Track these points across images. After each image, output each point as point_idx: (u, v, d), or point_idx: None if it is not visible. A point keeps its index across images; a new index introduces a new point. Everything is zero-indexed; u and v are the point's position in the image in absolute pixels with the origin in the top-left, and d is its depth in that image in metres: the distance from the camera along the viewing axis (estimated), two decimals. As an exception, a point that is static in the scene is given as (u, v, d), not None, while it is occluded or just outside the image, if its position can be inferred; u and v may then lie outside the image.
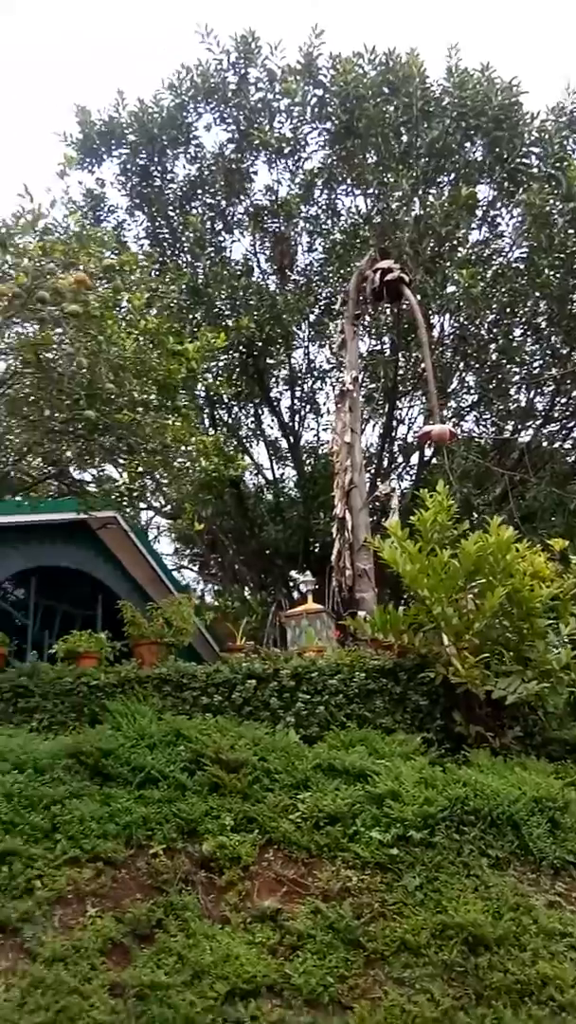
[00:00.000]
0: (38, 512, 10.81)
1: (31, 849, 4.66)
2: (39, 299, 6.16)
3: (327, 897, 4.52)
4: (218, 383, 10.98)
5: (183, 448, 8.06)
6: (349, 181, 14.58)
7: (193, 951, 4.20)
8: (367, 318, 13.45)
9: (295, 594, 16.41)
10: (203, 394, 14.59)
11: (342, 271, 14.38)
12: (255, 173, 14.63)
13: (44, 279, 6.26)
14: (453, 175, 13.91)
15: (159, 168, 14.94)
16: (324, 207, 15.05)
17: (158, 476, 9.24)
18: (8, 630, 7.17)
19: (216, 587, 20.04)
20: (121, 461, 8.84)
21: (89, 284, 6.51)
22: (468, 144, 13.68)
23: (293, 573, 17.45)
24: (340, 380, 10.55)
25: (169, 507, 15.06)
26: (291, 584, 17.35)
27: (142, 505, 13.75)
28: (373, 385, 16.02)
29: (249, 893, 4.60)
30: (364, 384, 11.97)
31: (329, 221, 15.10)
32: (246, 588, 17.97)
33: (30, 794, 4.99)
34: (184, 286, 12.70)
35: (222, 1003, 3.97)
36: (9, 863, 4.56)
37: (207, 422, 15.97)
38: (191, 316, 13.56)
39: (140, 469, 8.71)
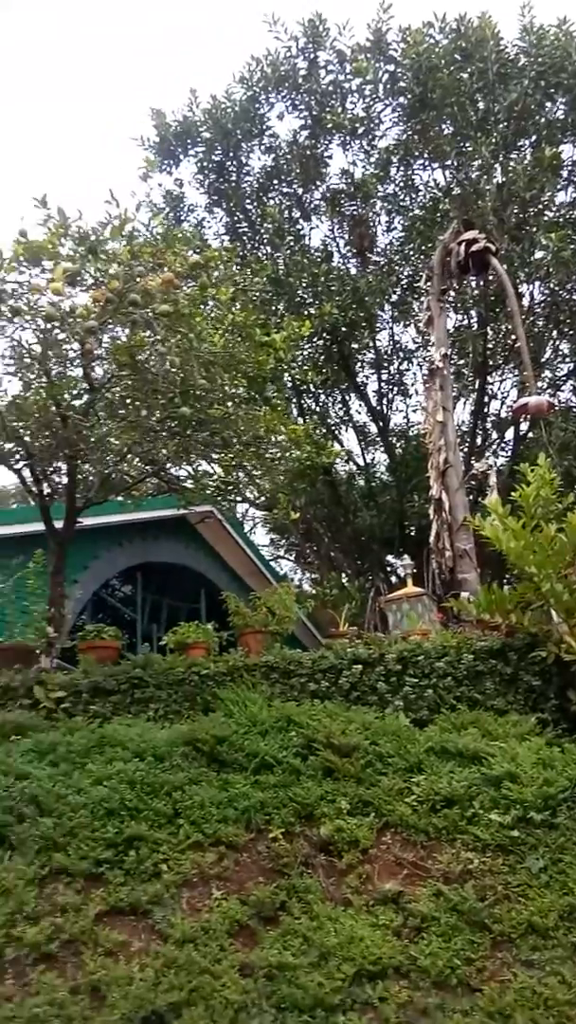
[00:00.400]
0: (141, 510, 11.15)
1: (156, 834, 4.84)
2: (131, 302, 6.32)
3: (448, 879, 4.50)
4: (304, 371, 10.96)
5: (275, 439, 8.12)
6: (426, 155, 14.30)
7: (318, 933, 4.27)
8: (453, 292, 13.14)
9: (392, 579, 16.32)
10: (289, 384, 14.65)
11: (424, 248, 14.13)
12: (330, 157, 14.55)
13: (134, 282, 6.41)
14: (535, 137, 13.43)
15: (235, 163, 15.05)
16: (401, 184, 14.82)
17: (250, 468, 9.35)
18: (118, 625, 7.44)
19: (313, 575, 20.15)
20: (215, 456, 8.99)
21: (177, 283, 6.63)
22: (549, 104, 13.18)
23: (389, 558, 17.36)
24: (428, 358, 10.39)
25: (262, 499, 15.23)
26: (388, 569, 17.26)
27: (237, 498, 14.00)
28: (462, 361, 15.70)
29: (369, 876, 4.63)
30: (453, 360, 11.71)
31: (407, 198, 14.86)
32: (343, 575, 17.98)
33: (151, 781, 5.17)
34: (265, 277, 12.76)
35: (350, 984, 4.02)
36: (136, 847, 4.75)
37: (295, 411, 16.04)
38: (274, 307, 13.62)
39: (234, 462, 8.83)
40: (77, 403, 7.65)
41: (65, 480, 8.43)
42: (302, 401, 16.59)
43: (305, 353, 14.32)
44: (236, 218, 15.59)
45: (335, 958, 4.14)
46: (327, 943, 4.19)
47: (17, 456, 7.99)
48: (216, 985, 4.06)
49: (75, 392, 7.72)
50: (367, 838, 4.79)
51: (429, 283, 10.37)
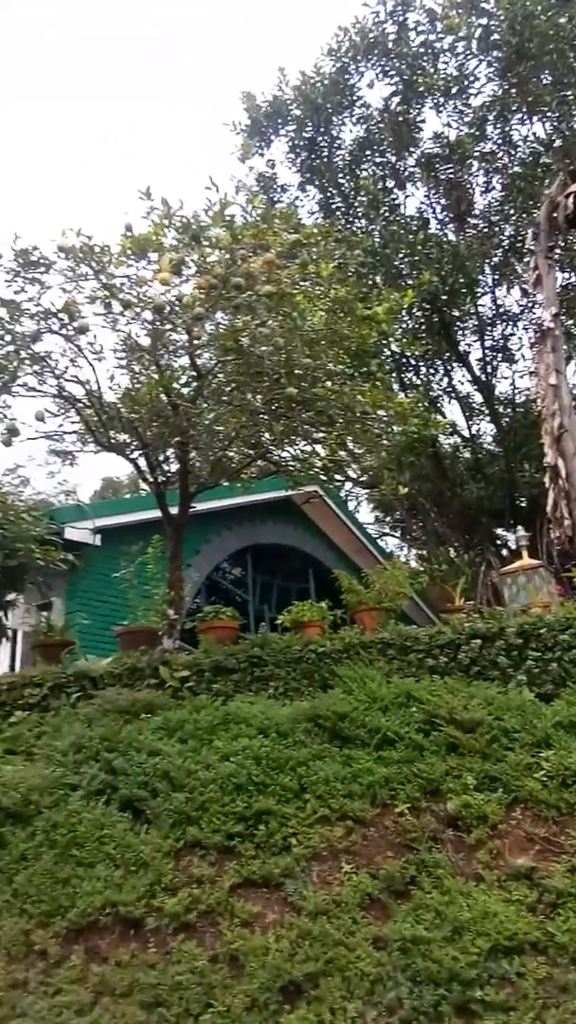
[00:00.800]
0: (248, 493, 11.33)
1: (284, 808, 4.95)
2: (235, 286, 6.38)
3: (584, 856, 4.40)
4: (406, 343, 10.77)
5: (380, 414, 8.03)
6: (524, 109, 13.69)
7: (450, 908, 4.27)
8: (561, 249, 12.56)
9: (504, 552, 15.92)
10: (389, 358, 14.45)
11: (525, 206, 13.58)
12: (423, 122, 14.19)
13: (236, 265, 6.46)
14: None
15: (326, 137, 14.90)
16: (499, 142, 14.27)
17: (353, 447, 9.30)
18: (230, 606, 7.60)
19: (419, 551, 19.93)
20: (320, 435, 9.00)
21: (278, 263, 6.64)
22: None
23: (499, 530, 16.94)
24: (537, 320, 9.98)
25: (366, 476, 15.15)
26: (498, 542, 16.85)
27: (341, 477, 13.98)
28: (572, 322, 15.05)
29: (500, 852, 4.58)
30: (564, 321, 11.23)
31: (506, 156, 14.29)
32: (451, 550, 17.70)
33: (276, 756, 5.28)
34: (362, 250, 12.60)
35: (485, 959, 4.01)
36: (265, 822, 4.87)
37: (396, 386, 15.82)
38: (371, 280, 13.43)
39: (339, 440, 8.81)
40: (185, 391, 7.82)
41: (175, 467, 8.67)
42: (403, 375, 16.34)
43: (405, 325, 14.07)
44: (329, 194, 15.44)
45: (469, 933, 4.13)
46: (460, 918, 4.19)
47: (132, 446, 8.27)
48: (351, 957, 4.13)
49: (183, 380, 7.89)
50: (496, 813, 4.74)
51: (535, 241, 9.92)
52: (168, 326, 7.10)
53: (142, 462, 8.44)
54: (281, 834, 4.81)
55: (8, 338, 6.81)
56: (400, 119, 14.02)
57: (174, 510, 8.22)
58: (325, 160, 14.96)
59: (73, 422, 8.14)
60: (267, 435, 8.77)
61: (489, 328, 15.71)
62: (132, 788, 5.09)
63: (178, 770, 5.18)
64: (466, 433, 17.36)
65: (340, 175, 15.01)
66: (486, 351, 16.00)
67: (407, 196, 14.97)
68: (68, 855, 4.80)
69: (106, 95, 47.79)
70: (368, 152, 14.78)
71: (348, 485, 17.97)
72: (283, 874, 4.60)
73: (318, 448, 9.19)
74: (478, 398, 16.89)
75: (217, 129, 40.17)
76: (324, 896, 4.47)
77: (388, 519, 21.14)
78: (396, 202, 14.84)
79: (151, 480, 8.40)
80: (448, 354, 15.91)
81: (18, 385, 7.14)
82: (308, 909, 4.39)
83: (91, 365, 7.37)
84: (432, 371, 16.69)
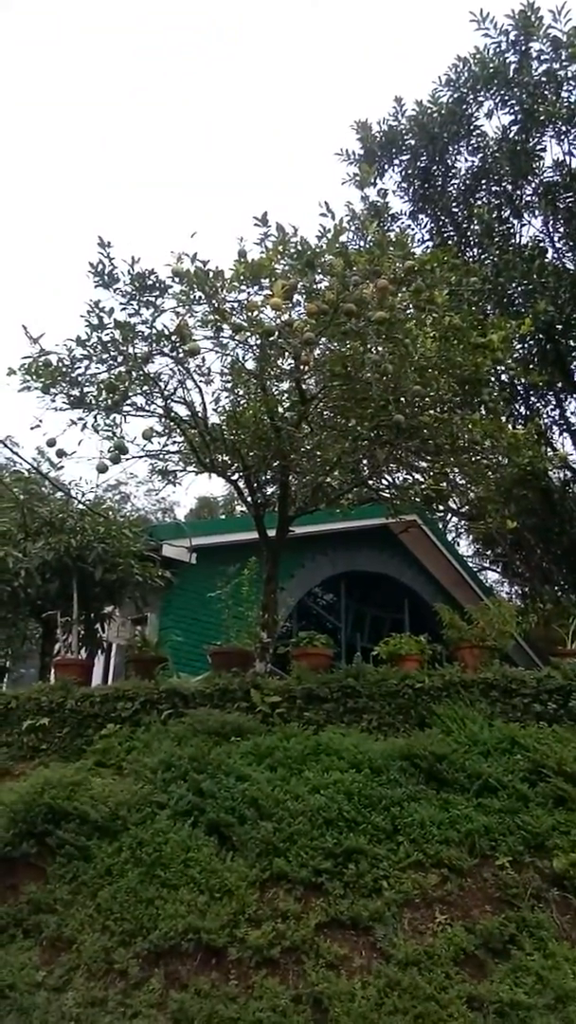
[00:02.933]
0: (346, 519, 11.20)
1: (375, 849, 4.75)
2: (346, 312, 6.32)
3: None
4: (523, 371, 10.42)
5: (491, 443, 7.77)
6: None
7: (554, 973, 3.96)
8: None
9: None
10: (499, 388, 14.07)
11: None
12: (543, 150, 13.84)
13: (348, 291, 6.41)
14: None
15: (441, 167, 14.79)
16: (624, 170, 13.77)
17: (457, 477, 9.05)
18: (320, 632, 7.44)
19: (523, 589, 19.23)
20: (424, 464, 8.80)
21: (392, 290, 6.54)
22: None
23: (610, 571, 16.12)
24: None
25: (467, 508, 14.74)
26: (608, 583, 16.05)
27: (442, 508, 13.64)
28: None
29: (611, 919, 4.23)
30: None
31: (630, 184, 13.77)
32: (557, 589, 16.97)
33: (369, 793, 5.09)
34: (476, 278, 12.37)
35: (591, 1035, 3.68)
36: (356, 861, 4.69)
37: (504, 417, 15.38)
38: (483, 309, 13.16)
39: (445, 470, 8.59)
40: (289, 415, 7.81)
41: (274, 490, 8.65)
42: (512, 406, 15.89)
43: (517, 355, 13.68)
44: (441, 223, 15.29)
45: (574, 1003, 3.81)
46: (565, 985, 3.88)
47: (233, 468, 8.31)
48: (443, 1015, 3.89)
49: (287, 405, 7.89)
50: (608, 877, 4.39)
51: None
52: (275, 351, 7.11)
53: (242, 484, 8.47)
54: (372, 875, 4.61)
55: (121, 359, 6.98)
56: (518, 148, 13.74)
57: (271, 533, 8.18)
58: (439, 189, 14.84)
59: (177, 442, 8.28)
60: (367, 462, 8.65)
61: (605, 361, 15.08)
62: (219, 812, 5.01)
63: (266, 798, 5.07)
64: (577, 468, 16.68)
65: (454, 204, 14.85)
66: (601, 384, 15.36)
67: (523, 225, 14.64)
68: (153, 875, 4.75)
69: (219, 125, 49.44)
70: (483, 181, 14.56)
71: (449, 516, 17.57)
72: (372, 918, 4.40)
73: (419, 477, 9.00)
74: (591, 432, 16.20)
75: (321, 159, 40.84)
76: (416, 946, 4.24)
77: (489, 553, 20.53)
78: (511, 230, 14.53)
79: (250, 502, 8.42)
80: (560, 385, 15.38)
81: (127, 404, 7.30)
82: (398, 958, 4.17)
83: (198, 387, 7.48)
84: (543, 402, 16.16)
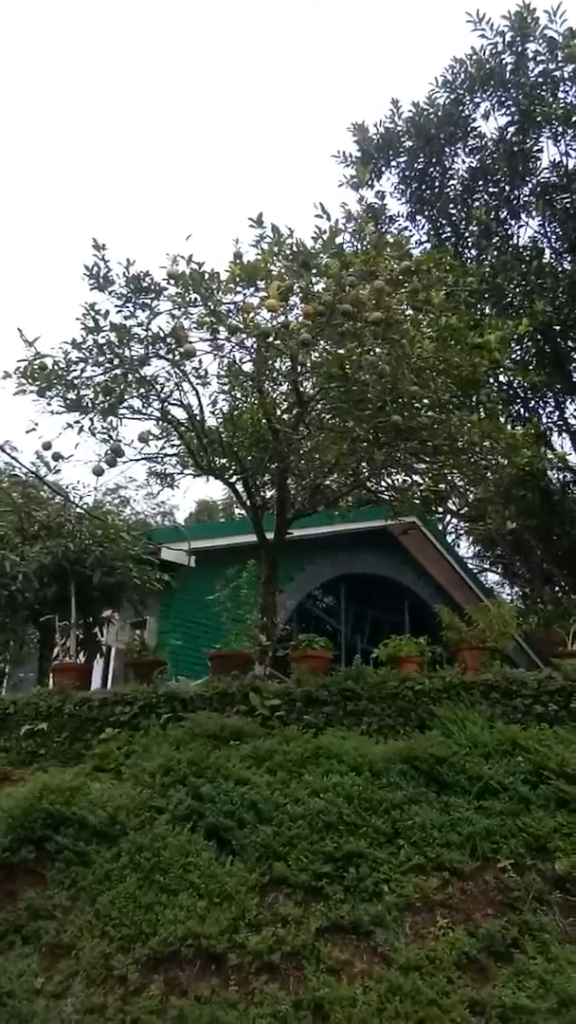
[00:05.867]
0: (346, 522, 11.17)
1: (375, 852, 4.71)
2: (343, 312, 6.30)
3: None
4: (521, 371, 10.41)
5: (490, 444, 7.74)
6: None
7: (557, 977, 3.93)
8: None
9: (614, 594, 15.08)
10: (497, 389, 14.05)
11: None
12: (540, 151, 13.82)
13: (345, 292, 6.39)
14: None
15: (438, 168, 14.77)
16: (621, 170, 13.75)
17: (456, 479, 9.02)
18: (321, 635, 7.41)
19: (524, 590, 19.20)
20: (423, 465, 8.77)
21: (388, 291, 6.52)
22: None
23: (610, 572, 16.08)
24: None
25: (466, 509, 14.73)
26: (609, 584, 16.01)
27: (441, 509, 13.61)
28: None
29: (615, 922, 4.19)
30: None
31: (627, 184, 13.75)
32: (557, 589, 16.95)
33: (369, 797, 5.06)
34: (473, 279, 12.36)
35: (596, 1039, 3.64)
36: (356, 865, 4.65)
37: (503, 418, 15.35)
38: (480, 310, 13.14)
39: (443, 471, 8.56)
40: (287, 417, 7.79)
41: (272, 493, 8.63)
42: (510, 407, 15.86)
43: (515, 356, 13.66)
44: (439, 224, 15.27)
45: (577, 1008, 3.77)
46: (568, 989, 3.85)
47: (231, 470, 8.29)
48: (445, 1019, 3.85)
49: (285, 407, 7.86)
50: (610, 879, 4.35)
51: None
52: (272, 353, 7.09)
53: (240, 487, 8.44)
54: (372, 879, 4.58)
55: (117, 361, 6.95)
56: (515, 149, 13.73)
57: (270, 535, 8.15)
58: (436, 190, 14.82)
59: (174, 445, 8.25)
60: (366, 464, 8.62)
61: (604, 362, 15.06)
62: (219, 816, 4.97)
63: (266, 802, 5.04)
64: (577, 469, 16.65)
65: (451, 205, 14.82)
66: (600, 385, 15.33)
67: (520, 226, 14.61)
68: (152, 880, 4.72)
69: (208, 123, 49.53)
70: (481, 182, 14.54)
71: (448, 517, 17.54)
72: (373, 922, 4.37)
73: (418, 478, 8.97)
74: (591, 433, 16.17)
75: (318, 160, 40.90)
76: (417, 950, 4.20)
77: (489, 554, 20.49)
78: (509, 231, 14.51)
79: (248, 505, 8.39)
80: (559, 386, 15.35)
81: (124, 407, 7.27)
82: (399, 962, 4.14)
83: (195, 390, 7.45)
84: (542, 404, 16.13)
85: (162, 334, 6.80)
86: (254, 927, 4.41)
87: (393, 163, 14.97)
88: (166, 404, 7.43)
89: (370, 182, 15.08)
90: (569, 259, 14.20)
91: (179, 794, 5.19)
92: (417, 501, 9.13)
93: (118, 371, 6.95)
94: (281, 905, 4.51)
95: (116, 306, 6.80)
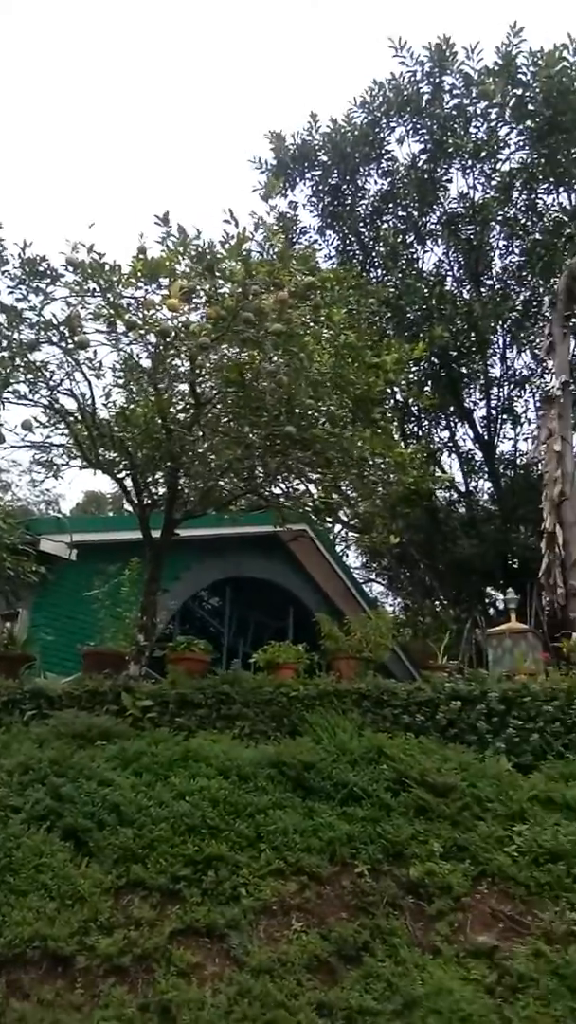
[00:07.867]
0: (235, 525, 11.16)
1: (236, 856, 4.70)
2: (244, 320, 6.31)
3: (550, 939, 4.16)
4: (414, 392, 10.74)
5: (380, 461, 7.93)
6: (552, 179, 13.91)
7: (403, 980, 4.02)
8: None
9: (491, 611, 15.75)
10: (393, 408, 14.44)
11: (543, 272, 13.72)
12: (449, 181, 14.41)
13: (248, 300, 6.40)
14: None
15: (351, 186, 15.11)
16: (523, 208, 14.47)
17: (348, 490, 9.19)
18: (203, 637, 7.39)
19: (406, 602, 19.74)
20: (315, 476, 8.89)
21: (291, 303, 6.58)
22: None
23: (489, 589, 16.79)
24: (545, 386, 9.99)
25: (356, 521, 15.05)
26: (487, 600, 16.70)
27: (332, 519, 13.82)
28: (576, 391, 15.09)
29: (462, 925, 4.34)
30: (573, 390, 11.24)
31: (529, 221, 14.48)
32: (437, 603, 17.54)
33: (235, 801, 5.05)
34: (376, 299, 12.67)
35: (435, 1040, 3.75)
36: (216, 868, 4.63)
37: (397, 436, 15.79)
38: (382, 329, 13.49)
39: (333, 483, 8.70)
40: (182, 417, 7.72)
41: (163, 491, 8.52)
42: (405, 425, 16.34)
43: (411, 378, 14.11)
44: (348, 241, 15.61)
45: (421, 1008, 3.88)
46: (413, 992, 3.94)
47: (121, 465, 8.13)
48: (292, 1021, 3.87)
49: (181, 406, 7.79)
50: (461, 885, 4.50)
51: (552, 308, 10.00)
52: (172, 351, 7.02)
53: (129, 483, 8.30)
54: (231, 883, 4.56)
55: (4, 344, 6.71)
56: (426, 176, 14.23)
57: (156, 534, 8.04)
58: (347, 208, 15.16)
59: (62, 435, 8.02)
60: (261, 469, 8.66)
61: (496, 388, 15.77)
62: (77, 817, 4.85)
63: (129, 804, 4.94)
64: (463, 488, 17.32)
65: (361, 224, 15.19)
66: (491, 410, 16.04)
67: (426, 252, 15.16)
68: (1, 881, 4.53)
69: (133, 116, 48.74)
70: (391, 205, 14.97)
71: (338, 528, 17.83)
72: (228, 925, 4.35)
73: (311, 488, 9.08)
74: (479, 456, 16.90)
75: (232, 164, 41.04)
76: (269, 953, 4.21)
77: (376, 565, 20.98)
78: (415, 256, 15.00)
79: (136, 502, 8.25)
80: (452, 409, 15.95)
81: (9, 392, 7.02)
82: (251, 965, 4.13)
83: (87, 380, 7.28)
84: (435, 424, 16.71)
85: (55, 321, 6.62)
86: (106, 929, 4.31)
87: (308, 175, 15.23)
88: (55, 392, 7.22)
89: (284, 192, 15.25)
90: (469, 288, 14.80)
91: (37, 794, 5.03)
92: (308, 509, 9.24)
93: (5, 354, 6.71)
94: (136, 908, 4.43)
95: (8, 287, 6.58)
